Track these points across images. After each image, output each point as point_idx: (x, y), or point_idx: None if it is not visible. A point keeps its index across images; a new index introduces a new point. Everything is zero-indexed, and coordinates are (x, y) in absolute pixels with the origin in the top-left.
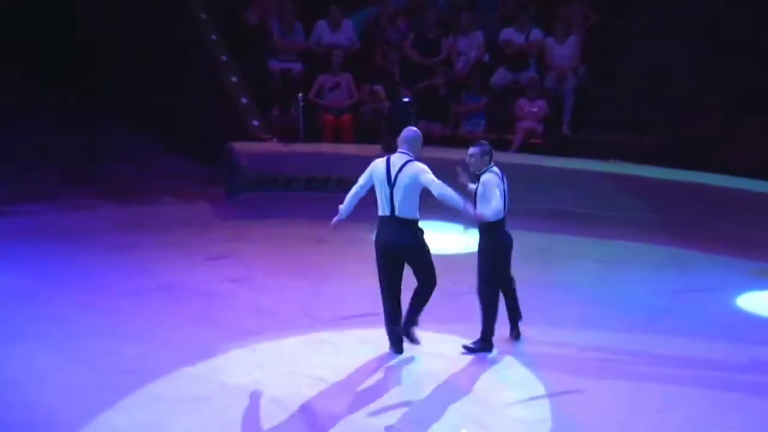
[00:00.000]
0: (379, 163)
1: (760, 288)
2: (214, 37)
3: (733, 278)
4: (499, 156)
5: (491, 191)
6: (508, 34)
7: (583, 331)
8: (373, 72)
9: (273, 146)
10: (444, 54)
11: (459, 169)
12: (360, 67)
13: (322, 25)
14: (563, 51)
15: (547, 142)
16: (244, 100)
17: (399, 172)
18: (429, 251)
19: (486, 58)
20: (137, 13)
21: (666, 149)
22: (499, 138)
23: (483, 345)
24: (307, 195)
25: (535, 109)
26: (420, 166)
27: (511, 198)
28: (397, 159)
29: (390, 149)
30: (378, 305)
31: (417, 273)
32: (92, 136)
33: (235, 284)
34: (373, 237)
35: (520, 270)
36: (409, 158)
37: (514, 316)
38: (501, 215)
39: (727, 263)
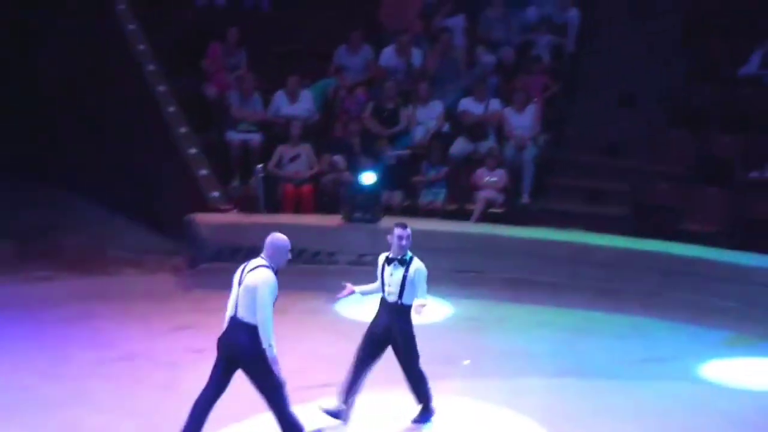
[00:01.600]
0: (240, 268)
1: (721, 356)
2: (172, 109)
3: (694, 347)
4: (459, 226)
5: (424, 282)
6: (467, 104)
7: (547, 401)
8: (332, 142)
9: (233, 217)
10: (403, 124)
11: (345, 287)
12: (319, 137)
13: (280, 96)
14: (522, 121)
15: (507, 212)
16: (203, 172)
17: (250, 272)
18: (269, 366)
19: (445, 128)
20: (95, 86)
21: (625, 218)
22: (460, 208)
23: (428, 412)
24: None
25: (494, 179)
26: (266, 278)
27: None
28: (254, 261)
29: (350, 220)
30: (336, 376)
31: (258, 389)
32: (51, 208)
33: (198, 355)
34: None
35: (482, 339)
36: (265, 264)
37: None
38: None
39: (689, 332)
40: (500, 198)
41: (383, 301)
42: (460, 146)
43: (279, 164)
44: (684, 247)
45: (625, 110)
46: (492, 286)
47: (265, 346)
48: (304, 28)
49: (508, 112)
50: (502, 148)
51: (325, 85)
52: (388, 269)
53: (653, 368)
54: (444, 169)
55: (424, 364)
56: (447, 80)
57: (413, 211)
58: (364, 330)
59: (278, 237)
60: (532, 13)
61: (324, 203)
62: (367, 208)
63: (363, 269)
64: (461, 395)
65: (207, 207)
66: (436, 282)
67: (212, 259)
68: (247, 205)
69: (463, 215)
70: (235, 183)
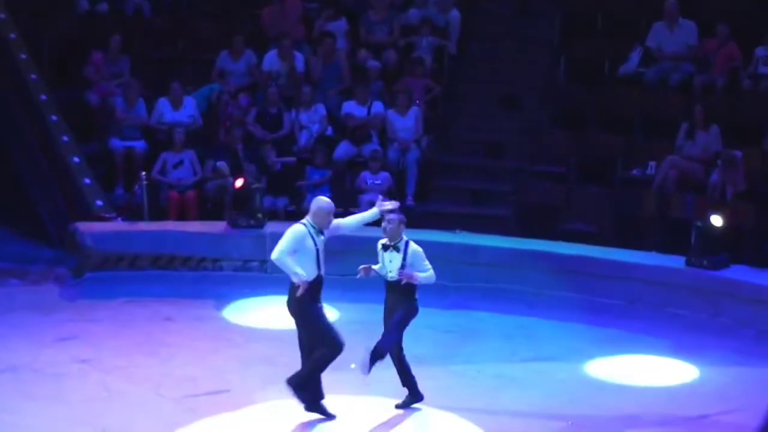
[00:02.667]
0: None
1: (605, 354)
2: (54, 118)
3: (579, 345)
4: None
5: (424, 261)
6: (350, 107)
7: (435, 403)
8: (216, 148)
9: (117, 226)
10: (287, 129)
11: (363, 268)
12: (203, 143)
13: (163, 103)
14: (405, 123)
15: None
16: (87, 181)
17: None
18: (314, 317)
19: (329, 131)
20: None
21: (509, 219)
22: (344, 211)
23: (414, 397)
24: (153, 273)
25: (378, 182)
26: (289, 230)
27: None
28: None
29: (235, 226)
30: (227, 383)
31: (303, 339)
32: None
33: (83, 365)
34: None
35: (370, 343)
36: (302, 222)
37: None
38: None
39: (574, 330)
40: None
41: (386, 283)
42: (343, 150)
43: (163, 171)
44: (567, 246)
45: (507, 111)
46: (378, 290)
47: (294, 279)
48: (186, 34)
49: (392, 115)
50: (386, 151)
51: (209, 91)
52: (386, 255)
53: (540, 367)
54: (328, 173)
55: None
56: (329, 84)
57: (298, 215)
58: (251, 335)
59: (320, 200)
60: (413, 14)
61: (208, 210)
62: (251, 213)
63: (249, 275)
64: (354, 396)
65: (91, 216)
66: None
67: (97, 268)
68: (131, 213)
69: None
70: (119, 191)
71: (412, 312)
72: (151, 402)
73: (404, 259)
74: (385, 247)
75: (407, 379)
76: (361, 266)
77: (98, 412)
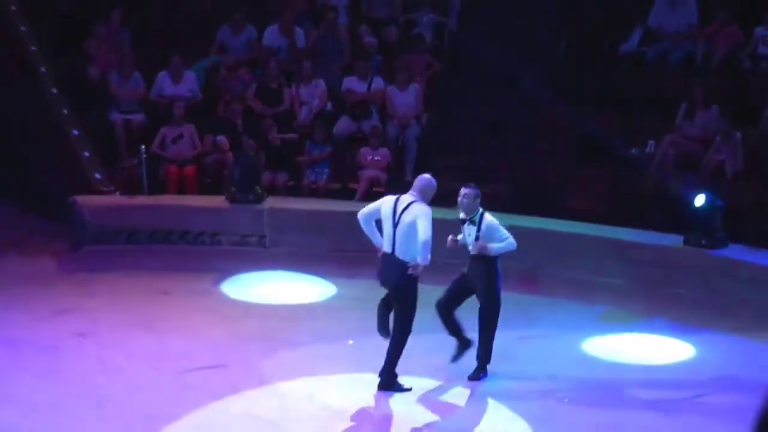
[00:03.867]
0: (387, 200)
1: (602, 332)
2: (54, 90)
3: (574, 323)
4: (343, 205)
5: (499, 230)
6: (350, 82)
7: (429, 379)
8: (215, 122)
9: (116, 199)
10: (287, 104)
11: (451, 239)
12: (202, 117)
13: (163, 77)
14: (405, 99)
15: (390, 191)
16: (86, 153)
17: (403, 212)
18: (413, 298)
19: (328, 107)
20: None
21: (507, 196)
22: (343, 187)
23: (484, 370)
24: (151, 247)
25: (378, 158)
26: (421, 209)
27: None
28: (405, 198)
29: (234, 200)
30: (224, 357)
31: (394, 315)
32: None
33: (80, 338)
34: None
35: (366, 320)
36: (415, 200)
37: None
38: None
39: (569, 308)
40: (384, 177)
41: (470, 255)
42: (343, 125)
43: (162, 145)
44: (564, 224)
45: (507, 89)
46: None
47: (420, 260)
48: (187, 7)
49: (392, 91)
50: (386, 127)
51: (208, 64)
52: (465, 228)
53: (536, 344)
54: (328, 149)
55: (309, 344)
56: (330, 59)
57: (297, 191)
58: (249, 311)
59: (426, 177)
60: None
61: (207, 184)
62: (250, 187)
63: (247, 250)
64: (353, 373)
65: (89, 189)
66: (320, 261)
67: (95, 241)
68: (130, 186)
69: (346, 194)
70: (126, 163)
71: (495, 280)
72: (147, 376)
73: (478, 231)
74: (463, 221)
75: (455, 328)
76: (450, 237)
77: (95, 385)
